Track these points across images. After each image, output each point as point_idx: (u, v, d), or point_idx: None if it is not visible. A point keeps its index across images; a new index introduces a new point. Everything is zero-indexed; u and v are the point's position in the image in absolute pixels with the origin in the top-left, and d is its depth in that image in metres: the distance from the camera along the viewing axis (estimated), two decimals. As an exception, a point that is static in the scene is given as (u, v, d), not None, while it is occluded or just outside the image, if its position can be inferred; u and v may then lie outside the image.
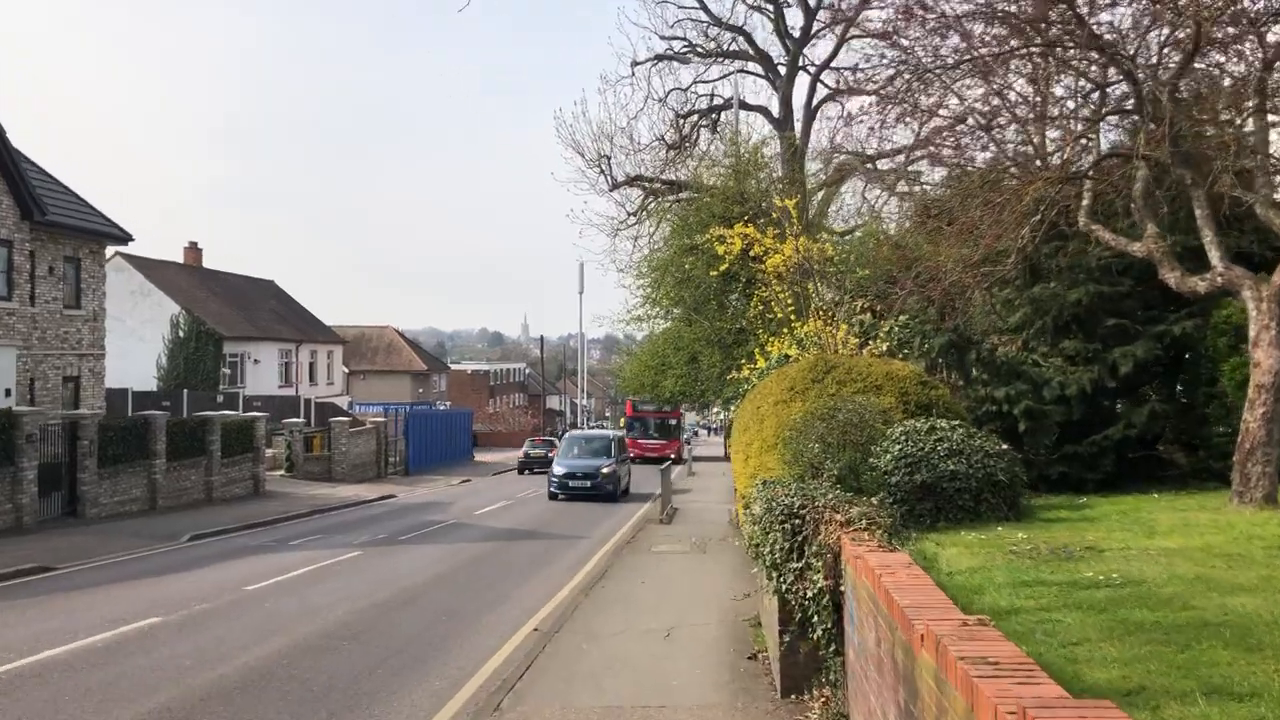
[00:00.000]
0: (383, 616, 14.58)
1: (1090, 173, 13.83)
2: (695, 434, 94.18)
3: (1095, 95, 15.30)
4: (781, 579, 9.35)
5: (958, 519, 11.19)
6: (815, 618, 8.98)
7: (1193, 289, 12.36)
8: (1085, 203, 14.35)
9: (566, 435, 37.80)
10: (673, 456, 55.12)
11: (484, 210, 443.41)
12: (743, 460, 14.71)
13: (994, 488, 11.36)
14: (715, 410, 67.03)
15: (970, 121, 16.48)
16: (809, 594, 9.04)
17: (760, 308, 23.09)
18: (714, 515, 28.99)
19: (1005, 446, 11.79)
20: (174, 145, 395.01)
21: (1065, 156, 13.88)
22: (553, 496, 34.34)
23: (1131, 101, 13.12)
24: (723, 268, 23.97)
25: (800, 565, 9.20)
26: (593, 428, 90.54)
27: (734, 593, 16.05)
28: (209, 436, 34.20)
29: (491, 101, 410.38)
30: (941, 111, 17.00)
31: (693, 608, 14.97)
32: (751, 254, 23.56)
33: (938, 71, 13.60)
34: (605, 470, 34.16)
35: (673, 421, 64.06)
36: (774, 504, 9.70)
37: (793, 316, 20.60)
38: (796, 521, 9.36)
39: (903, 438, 11.52)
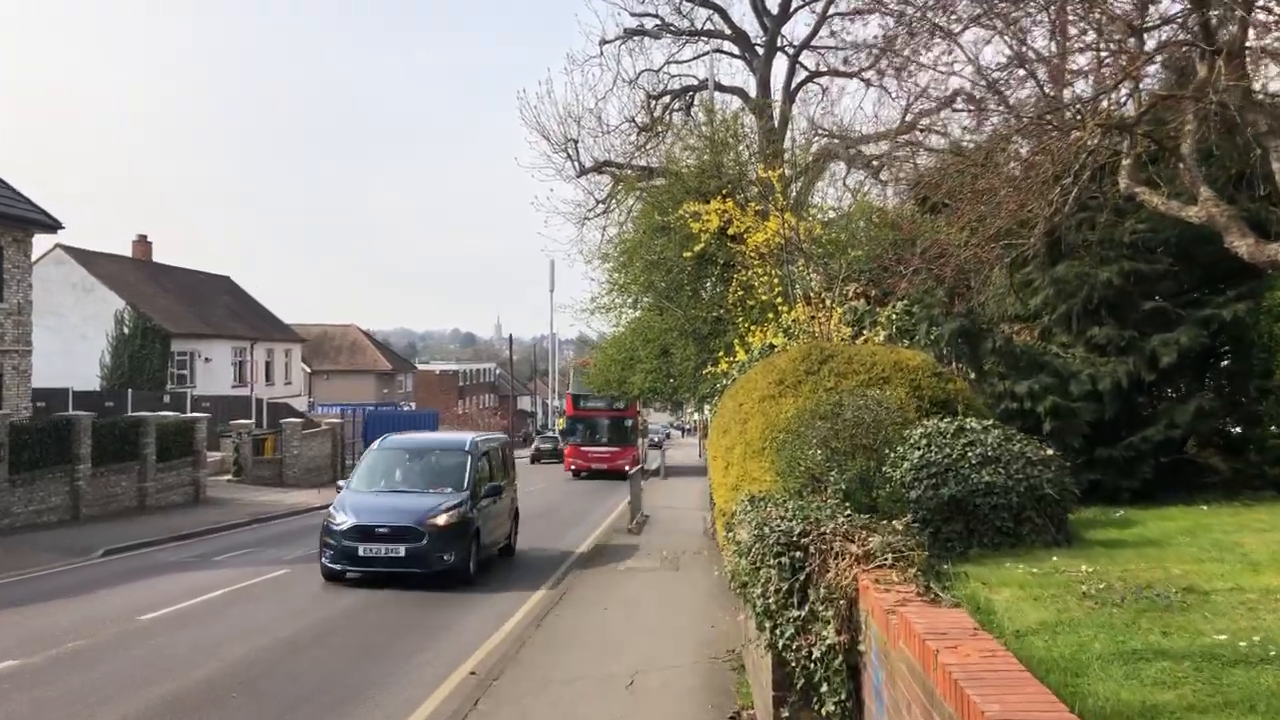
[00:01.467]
0: (290, 656, 12.17)
1: (1143, 119, 11.57)
2: (668, 436, 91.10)
3: (1131, 42, 13.06)
4: (777, 631, 7.03)
5: (994, 543, 8.89)
6: (824, 685, 6.67)
7: (1272, 258, 10.20)
8: (1127, 161, 12.14)
9: (375, 445, 20.21)
10: (627, 469, 41.71)
11: (467, 211, 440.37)
12: (722, 468, 12.38)
13: (1039, 504, 9.06)
14: (689, 410, 58.94)
15: (980, 78, 14.26)
16: (815, 653, 6.73)
17: (740, 293, 20.76)
18: (688, 524, 26.68)
19: (1050, 452, 9.47)
20: (151, 144, 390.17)
21: (1110, 99, 11.61)
22: (330, 576, 16.96)
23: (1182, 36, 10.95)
24: (697, 248, 21.57)
25: (803, 614, 6.88)
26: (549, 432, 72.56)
27: (711, 621, 13.75)
28: (143, 439, 31.57)
29: (484, 101, 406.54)
30: (942, 68, 14.77)
31: (663, 642, 12.66)
32: (729, 233, 21.27)
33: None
34: (441, 520, 16.74)
35: (628, 422, 48.97)
36: (766, 529, 7.38)
37: (779, 300, 18.29)
38: (797, 554, 7.04)
39: (924, 442, 9.19)
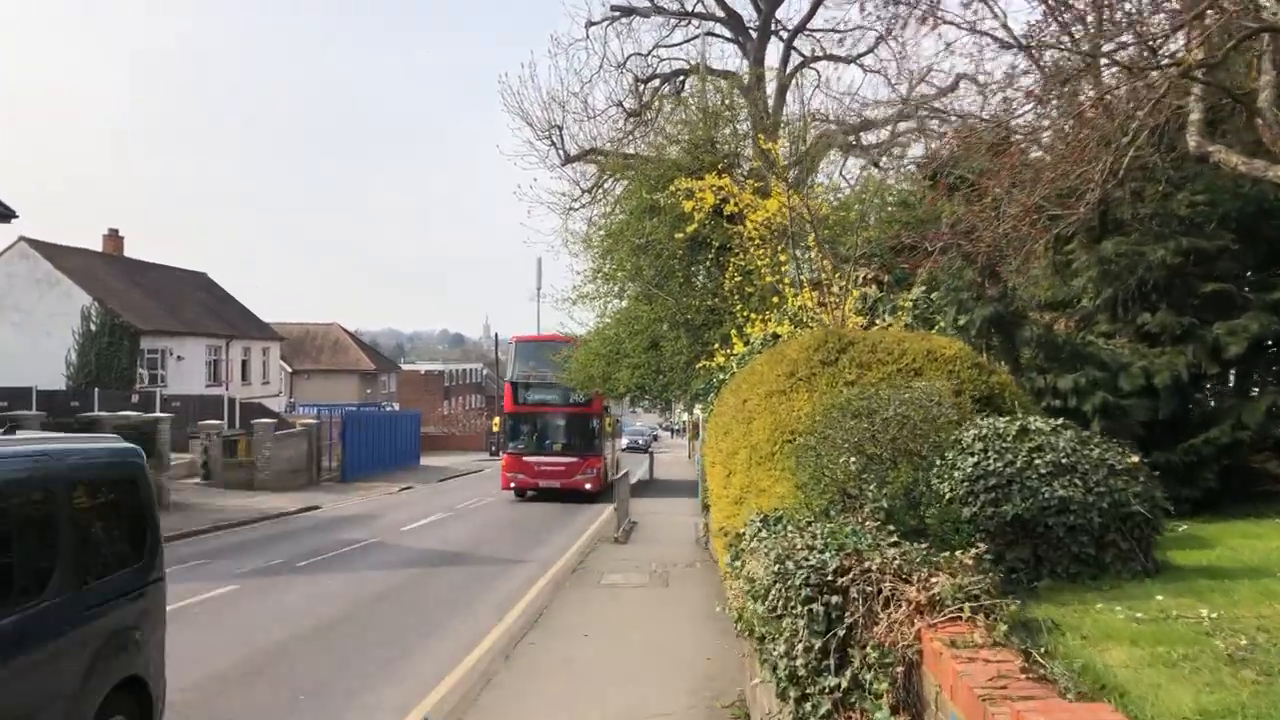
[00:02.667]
0: (214, 697, 10.33)
1: (1228, 57, 9.78)
2: (655, 438, 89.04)
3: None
4: (808, 705, 5.19)
5: (1071, 573, 7.00)
6: (875, 786, 4.85)
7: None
8: (1195, 117, 10.36)
9: None
10: (589, 486, 34.90)
11: (465, 212, 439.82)
12: (723, 476, 10.55)
13: (1124, 524, 7.17)
14: (679, 410, 54.47)
15: (1006, 30, 12.51)
16: (862, 740, 4.90)
17: (738, 279, 18.87)
18: (679, 532, 24.91)
19: (1135, 458, 7.58)
20: (150, 144, 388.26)
21: (1190, 33, 9.80)
22: None
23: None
24: (690, 229, 19.64)
25: (842, 683, 5.04)
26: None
27: (707, 652, 11.95)
28: (99, 441, 29.62)
29: (485, 101, 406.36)
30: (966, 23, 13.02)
31: (652, 678, 10.83)
32: (726, 213, 19.42)
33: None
34: None
35: (592, 422, 35.69)
36: (790, 564, 5.54)
37: (785, 283, 16.44)
38: (833, 599, 5.21)
39: (979, 446, 7.30)
